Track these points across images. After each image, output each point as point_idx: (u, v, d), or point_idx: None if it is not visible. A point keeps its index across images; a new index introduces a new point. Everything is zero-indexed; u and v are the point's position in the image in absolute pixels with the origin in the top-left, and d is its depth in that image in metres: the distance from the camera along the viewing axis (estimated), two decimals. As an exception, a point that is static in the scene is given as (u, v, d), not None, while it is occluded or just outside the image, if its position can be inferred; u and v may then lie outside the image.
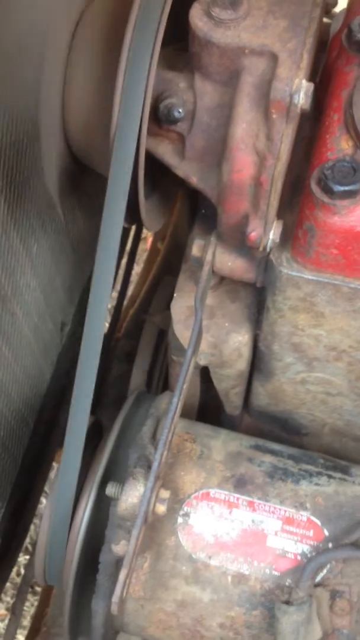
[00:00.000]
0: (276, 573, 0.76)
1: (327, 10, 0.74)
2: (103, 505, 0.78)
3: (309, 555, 0.75)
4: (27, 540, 1.48)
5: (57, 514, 0.76)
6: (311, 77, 0.69)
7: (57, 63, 0.71)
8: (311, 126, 0.78)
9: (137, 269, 1.81)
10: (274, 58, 0.64)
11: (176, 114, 0.70)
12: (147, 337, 1.09)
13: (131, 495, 0.71)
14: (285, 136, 0.66)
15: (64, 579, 0.79)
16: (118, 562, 0.75)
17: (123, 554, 0.71)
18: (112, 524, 0.76)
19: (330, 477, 0.81)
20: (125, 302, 1.38)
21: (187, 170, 0.74)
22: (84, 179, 0.89)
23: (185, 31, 0.68)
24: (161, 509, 0.72)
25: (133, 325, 1.31)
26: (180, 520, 0.78)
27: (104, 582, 0.77)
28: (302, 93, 0.63)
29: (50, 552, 0.78)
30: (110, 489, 0.74)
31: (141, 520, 0.69)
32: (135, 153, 0.67)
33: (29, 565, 1.20)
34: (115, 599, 0.69)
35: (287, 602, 0.72)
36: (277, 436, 1.01)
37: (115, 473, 0.80)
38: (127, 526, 0.74)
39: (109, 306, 1.51)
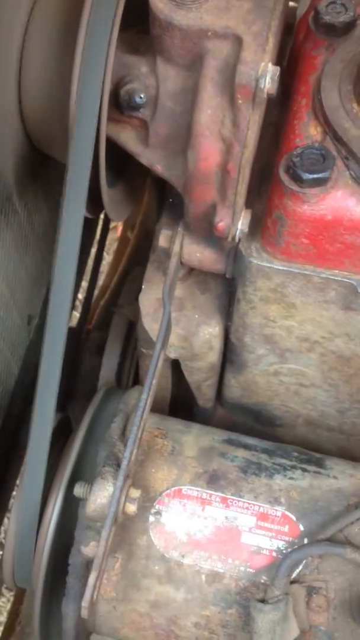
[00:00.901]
0: (251, 570, 0.74)
1: (293, -10, 0.71)
2: (72, 505, 0.76)
3: (284, 552, 0.74)
4: (2, 535, 1.46)
5: (25, 515, 0.73)
6: (277, 61, 0.66)
7: (11, 47, 0.68)
8: (279, 112, 0.75)
9: (108, 258, 1.78)
10: (238, 41, 0.62)
11: (137, 100, 0.67)
12: (117, 329, 1.07)
13: (100, 496, 0.69)
14: (251, 122, 0.64)
15: (34, 582, 0.77)
16: (88, 564, 0.73)
17: (93, 555, 0.69)
18: (81, 525, 0.74)
19: (304, 470, 0.80)
20: (95, 293, 1.35)
21: (152, 158, 0.72)
22: (45, 168, 0.86)
23: (147, 13, 0.65)
24: (131, 508, 0.70)
25: (104, 316, 1.28)
26: (151, 518, 0.76)
27: (74, 585, 0.75)
28: (268, 77, 0.61)
29: (18, 555, 0.76)
30: (79, 489, 0.72)
31: (110, 521, 0.67)
32: (96, 140, 0.64)
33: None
34: (85, 603, 0.67)
35: (263, 601, 0.70)
36: (251, 428, 1.00)
37: (84, 471, 0.78)
38: (96, 527, 0.72)
39: (80, 296, 1.48)
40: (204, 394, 0.95)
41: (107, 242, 1.35)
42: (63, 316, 0.70)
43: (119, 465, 0.70)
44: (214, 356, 0.87)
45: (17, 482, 1.18)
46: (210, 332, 0.84)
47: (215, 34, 0.63)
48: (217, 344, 0.85)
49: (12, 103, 0.69)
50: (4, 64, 0.68)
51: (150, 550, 0.75)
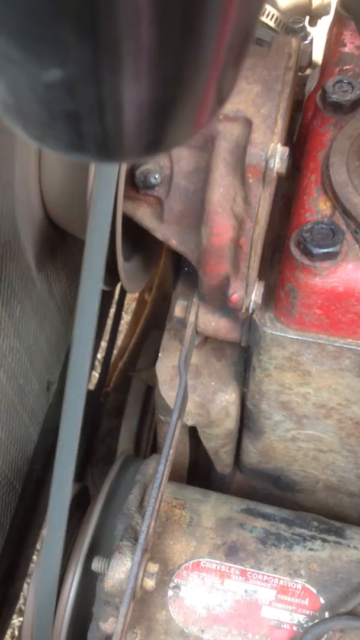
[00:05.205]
0: (272, 646, 0.73)
1: (301, 71, 0.74)
2: (90, 578, 0.76)
3: (305, 626, 0.73)
4: (21, 601, 1.45)
5: (43, 591, 0.73)
6: (287, 139, 0.69)
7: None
8: (290, 184, 0.77)
9: (127, 317, 1.80)
10: (248, 123, 0.64)
11: (152, 180, 0.69)
12: (134, 395, 1.08)
13: (118, 571, 0.68)
14: (262, 199, 0.65)
15: (52, 658, 0.76)
16: (107, 640, 0.72)
17: (111, 632, 0.69)
18: (99, 600, 0.73)
19: (324, 540, 0.79)
20: (114, 353, 1.36)
21: (166, 233, 0.74)
22: (64, 241, 0.88)
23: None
24: (150, 583, 0.69)
25: (122, 379, 1.29)
26: (170, 593, 0.75)
27: (93, 662, 0.74)
28: (277, 157, 0.63)
29: (36, 631, 0.75)
30: (97, 564, 0.71)
31: (129, 597, 0.66)
32: (113, 219, 0.66)
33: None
34: None
35: None
36: (270, 493, 0.99)
37: (102, 544, 0.78)
38: (115, 602, 0.71)
39: (99, 356, 1.49)
40: (222, 460, 0.94)
41: (125, 302, 1.37)
42: (81, 387, 0.71)
43: (136, 539, 0.70)
44: (231, 423, 0.87)
45: (38, 546, 1.18)
46: (227, 399, 0.85)
47: (226, 117, 0.65)
48: (234, 410, 0.86)
49: (32, 190, 0.72)
50: (24, 146, 0.71)
51: (169, 625, 0.74)
